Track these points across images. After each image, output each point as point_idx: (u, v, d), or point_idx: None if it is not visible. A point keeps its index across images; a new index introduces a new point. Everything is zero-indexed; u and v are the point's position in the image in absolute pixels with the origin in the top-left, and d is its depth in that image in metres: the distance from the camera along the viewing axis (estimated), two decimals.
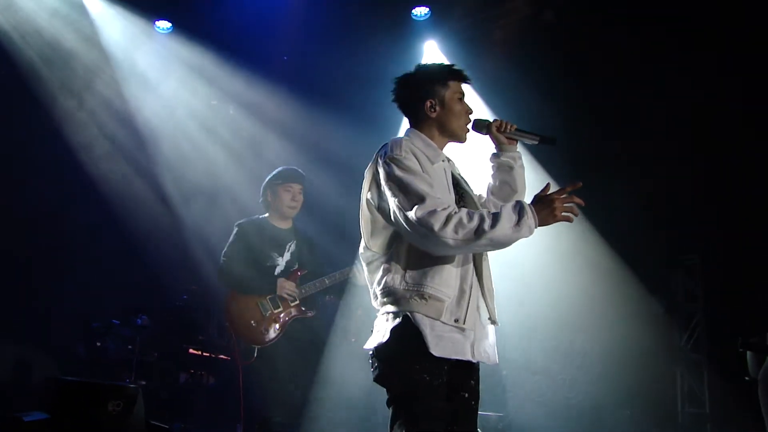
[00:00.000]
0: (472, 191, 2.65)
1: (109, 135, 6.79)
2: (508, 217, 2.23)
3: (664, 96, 5.74)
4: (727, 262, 5.87)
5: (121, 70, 6.71)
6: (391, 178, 2.38)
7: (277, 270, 4.43)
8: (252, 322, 4.27)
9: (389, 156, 2.42)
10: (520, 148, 2.78)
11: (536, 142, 2.68)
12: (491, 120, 2.72)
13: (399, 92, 2.69)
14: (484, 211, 2.28)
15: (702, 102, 5.52)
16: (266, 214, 4.57)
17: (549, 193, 2.32)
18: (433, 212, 2.22)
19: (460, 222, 2.21)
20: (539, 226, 2.29)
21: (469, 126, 2.67)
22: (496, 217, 2.22)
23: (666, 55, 5.53)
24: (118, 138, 6.84)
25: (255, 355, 4.24)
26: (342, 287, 4.59)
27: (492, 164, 2.75)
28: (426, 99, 2.59)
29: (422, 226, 2.23)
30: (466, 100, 2.67)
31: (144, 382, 5.56)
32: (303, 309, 4.40)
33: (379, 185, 2.43)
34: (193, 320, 6.03)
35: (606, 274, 5.89)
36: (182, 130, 6.85)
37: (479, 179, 2.80)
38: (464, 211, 2.26)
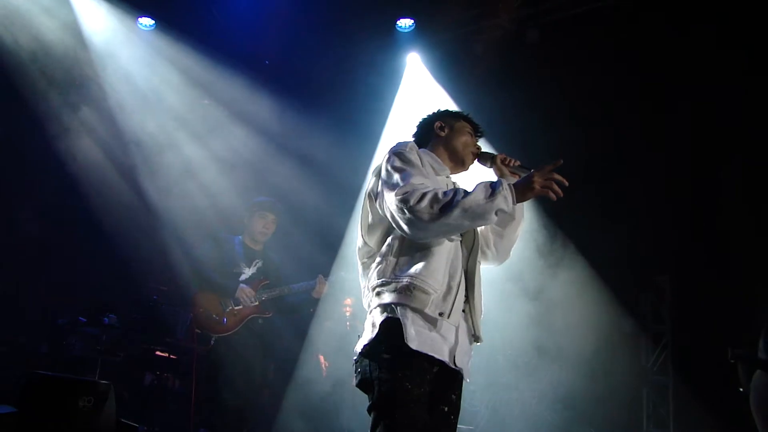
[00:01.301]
0: None
1: (89, 131, 6.72)
2: (481, 188, 2.32)
3: (641, 120, 5.82)
4: (697, 283, 5.92)
5: (103, 65, 6.66)
6: (389, 167, 2.48)
7: (242, 277, 4.91)
8: (213, 315, 4.77)
9: (394, 150, 2.54)
10: None
11: None
12: (496, 153, 2.84)
13: (419, 125, 2.92)
14: (460, 188, 2.35)
15: (675, 126, 5.60)
16: (240, 236, 5.08)
17: (532, 170, 2.42)
18: (412, 191, 2.32)
19: (435, 197, 2.29)
20: (519, 200, 2.36)
21: (475, 157, 2.81)
22: (470, 191, 2.31)
23: (646, 78, 5.61)
24: (97, 135, 6.76)
25: (212, 343, 4.72)
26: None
27: None
28: (437, 120, 2.84)
29: (400, 202, 2.31)
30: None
31: (107, 382, 5.46)
32: (262, 309, 4.88)
33: (379, 177, 2.51)
34: (162, 322, 5.95)
35: (575, 293, 5.92)
36: (162, 128, 6.79)
37: None
38: (441, 189, 2.33)
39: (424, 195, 2.29)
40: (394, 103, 6.57)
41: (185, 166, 6.83)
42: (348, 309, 6.12)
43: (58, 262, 6.39)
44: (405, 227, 2.34)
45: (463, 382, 2.56)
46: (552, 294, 5.97)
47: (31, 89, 6.39)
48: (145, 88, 6.71)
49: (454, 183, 2.73)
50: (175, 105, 6.80)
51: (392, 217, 2.38)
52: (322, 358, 5.99)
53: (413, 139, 2.88)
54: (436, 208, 2.27)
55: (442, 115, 2.86)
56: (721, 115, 5.37)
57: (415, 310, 2.33)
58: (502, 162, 2.78)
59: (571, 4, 5.83)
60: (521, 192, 2.36)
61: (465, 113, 2.90)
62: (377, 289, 2.44)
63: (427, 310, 2.33)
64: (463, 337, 2.46)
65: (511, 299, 5.76)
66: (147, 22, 6.56)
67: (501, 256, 2.76)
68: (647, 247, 6.09)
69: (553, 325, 6.00)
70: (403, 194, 2.32)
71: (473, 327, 2.51)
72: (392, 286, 2.39)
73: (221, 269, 4.87)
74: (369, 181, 2.60)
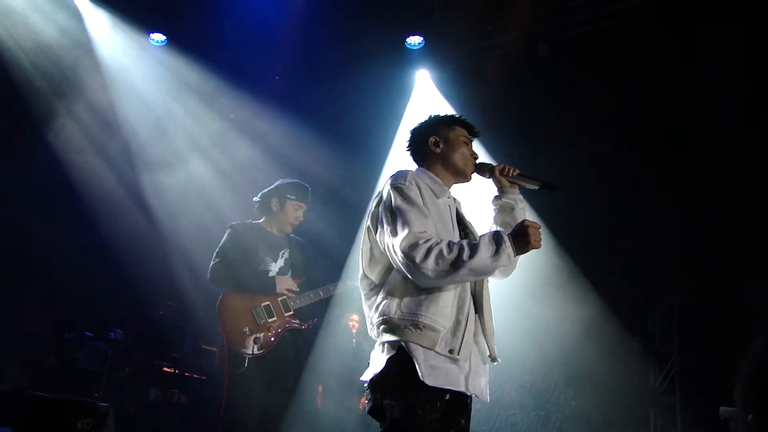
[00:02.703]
0: (476, 231, 2.70)
1: (97, 145, 6.76)
2: (486, 247, 2.30)
3: (651, 132, 5.81)
4: (705, 303, 5.89)
5: (113, 79, 6.71)
6: (389, 206, 2.44)
7: (270, 275, 4.21)
8: (245, 329, 4.03)
9: (393, 185, 2.49)
10: None
11: (537, 187, 2.74)
12: (495, 164, 2.78)
13: (409, 137, 2.82)
14: (464, 242, 2.32)
15: (684, 144, 5.59)
16: (261, 220, 4.38)
17: (524, 222, 2.40)
18: (415, 245, 2.29)
19: (440, 254, 2.27)
20: (517, 255, 2.37)
21: (474, 168, 2.74)
22: (474, 248, 2.29)
23: (657, 94, 5.61)
24: (104, 149, 6.81)
25: (246, 365, 3.97)
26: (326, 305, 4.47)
27: (494, 206, 2.80)
28: (430, 135, 2.72)
29: (405, 257, 2.29)
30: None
31: (111, 398, 5.45)
32: (296, 320, 4.19)
33: (379, 209, 2.49)
34: (168, 337, 5.96)
35: (583, 313, 5.89)
36: (169, 143, 6.82)
37: (483, 222, 2.84)
38: (445, 242, 2.30)
39: (429, 251, 2.27)
40: (404, 120, 6.57)
41: (193, 184, 6.85)
42: (354, 324, 6.06)
43: (66, 277, 6.40)
44: (410, 277, 2.34)
45: (472, 404, 2.54)
46: (558, 314, 5.94)
47: (39, 106, 6.45)
48: (156, 105, 6.76)
49: (454, 199, 2.70)
50: (185, 122, 6.84)
51: (395, 264, 2.37)
52: (320, 389, 5.68)
53: (409, 152, 2.81)
54: (443, 265, 2.26)
55: (435, 127, 2.75)
56: (734, 133, 5.36)
57: (424, 347, 2.30)
58: (501, 172, 2.74)
59: (581, 20, 5.85)
60: (520, 248, 2.37)
61: (457, 116, 2.81)
62: (383, 326, 2.40)
63: (437, 348, 2.30)
64: (476, 361, 2.44)
65: (517, 320, 5.73)
66: (159, 38, 6.62)
67: (506, 271, 2.70)
68: (655, 267, 6.06)
69: (560, 345, 5.97)
70: (407, 248, 2.29)
71: (488, 348, 2.49)
72: (399, 324, 2.34)
73: (245, 268, 4.15)
74: (370, 210, 2.56)
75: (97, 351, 5.75)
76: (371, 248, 2.52)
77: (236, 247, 4.20)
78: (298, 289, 4.19)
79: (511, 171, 2.73)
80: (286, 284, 4.15)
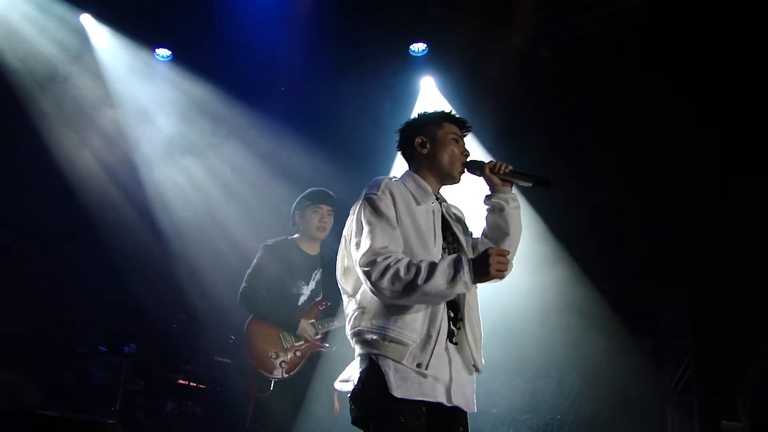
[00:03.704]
0: (464, 234, 2.61)
1: (104, 164, 6.80)
2: (443, 272, 2.21)
3: (656, 131, 5.80)
4: (718, 300, 5.85)
5: (118, 96, 6.76)
6: (359, 217, 2.39)
7: (301, 299, 4.22)
8: (272, 353, 4.05)
9: (365, 195, 2.43)
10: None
11: (531, 185, 2.61)
12: (486, 161, 2.66)
13: (398, 138, 2.72)
14: (424, 263, 2.23)
15: (694, 143, 5.59)
16: (295, 236, 4.35)
17: (489, 249, 2.27)
18: (373, 262, 2.25)
19: (395, 274, 2.21)
20: (475, 282, 2.27)
21: (464, 167, 2.63)
22: (431, 271, 2.20)
23: (663, 94, 5.61)
24: (112, 167, 6.85)
25: (271, 387, 4.00)
26: None
27: (486, 206, 2.68)
28: (416, 136, 2.61)
29: (363, 273, 2.27)
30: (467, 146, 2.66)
31: (126, 413, 5.47)
32: (323, 344, 4.18)
33: (352, 223, 2.44)
34: (182, 350, 5.97)
35: (595, 313, 5.87)
36: (176, 159, 6.86)
37: (477, 223, 2.77)
38: (404, 261, 2.24)
39: (386, 270, 2.22)
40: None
41: (200, 197, 6.88)
42: None
43: (78, 293, 6.42)
44: (370, 290, 2.30)
45: (479, 407, 2.47)
46: (569, 315, 5.93)
47: (42, 123, 6.49)
48: (161, 120, 6.79)
49: (441, 204, 2.58)
50: (190, 135, 6.88)
51: (360, 277, 2.34)
52: (336, 394, 5.69)
53: (399, 153, 2.71)
54: (398, 286, 2.21)
55: (421, 127, 2.63)
56: (742, 126, 5.36)
57: (394, 360, 2.25)
58: (491, 170, 2.60)
59: (584, 22, 5.86)
60: (479, 276, 2.25)
61: (446, 112, 2.69)
62: (355, 338, 2.37)
63: (405, 362, 2.24)
64: (458, 370, 2.35)
65: (527, 321, 5.74)
66: (164, 53, 6.66)
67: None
68: (666, 264, 6.05)
69: (573, 348, 5.95)
70: (365, 264, 2.26)
71: (472, 357, 2.40)
72: (368, 336, 2.30)
73: (277, 293, 4.15)
74: (347, 223, 2.49)
75: (112, 365, 5.76)
76: (344, 258, 2.48)
77: (267, 271, 4.19)
78: (316, 333, 4.15)
79: (503, 168, 2.60)
80: (309, 330, 4.11)
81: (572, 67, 6.01)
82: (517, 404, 6.02)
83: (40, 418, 3.82)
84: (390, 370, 2.24)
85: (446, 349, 2.33)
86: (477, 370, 2.43)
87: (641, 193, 5.98)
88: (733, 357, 5.45)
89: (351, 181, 6.45)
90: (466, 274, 2.21)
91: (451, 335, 2.38)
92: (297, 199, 4.39)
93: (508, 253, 2.32)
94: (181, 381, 5.85)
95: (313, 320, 4.17)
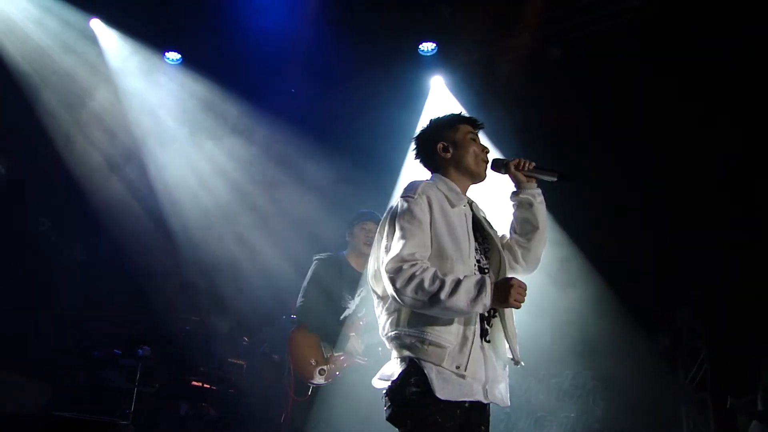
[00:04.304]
0: (495, 233, 2.65)
1: (115, 166, 6.84)
2: (466, 290, 2.25)
3: (668, 129, 5.77)
4: (733, 297, 5.82)
5: (128, 100, 6.78)
6: (393, 218, 2.42)
7: (346, 312, 4.39)
8: (312, 360, 4.25)
9: (402, 196, 2.46)
10: None
11: (555, 179, 2.68)
12: (510, 159, 2.72)
13: (416, 147, 2.77)
14: (449, 279, 2.26)
15: (707, 136, 5.55)
16: (346, 251, 4.59)
17: (512, 279, 2.32)
18: (399, 269, 2.27)
19: (420, 284, 2.24)
20: (491, 306, 2.30)
21: (488, 165, 2.68)
22: (455, 288, 2.24)
23: (673, 90, 5.58)
24: (122, 169, 6.88)
25: (309, 393, 4.20)
26: None
27: (512, 203, 2.75)
28: (437, 142, 2.66)
29: (389, 279, 2.28)
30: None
31: (141, 415, 5.50)
32: (363, 357, 4.31)
33: (386, 225, 2.46)
34: (195, 352, 6.00)
35: (609, 311, 5.85)
36: (188, 161, 6.88)
37: (502, 220, 2.81)
38: (429, 273, 2.26)
39: (410, 279, 2.25)
40: (419, 127, 6.54)
41: (212, 201, 6.90)
42: None
43: (93, 298, 6.46)
44: (391, 296, 2.32)
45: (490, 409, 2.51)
46: (583, 313, 5.91)
47: (57, 130, 6.53)
48: (172, 123, 6.81)
49: (471, 204, 2.63)
50: (201, 138, 6.90)
51: (383, 280, 2.36)
52: None
53: (418, 161, 2.76)
54: (421, 296, 2.23)
55: (439, 132, 2.69)
56: (760, 125, 5.32)
57: (434, 363, 2.29)
58: (516, 167, 2.69)
59: (594, 20, 5.83)
60: (497, 301, 2.28)
61: (456, 114, 2.76)
62: (394, 341, 2.40)
63: (444, 365, 2.29)
64: (493, 367, 2.41)
65: (542, 320, 5.71)
66: (173, 56, 6.69)
67: (531, 267, 2.70)
68: (680, 262, 6.01)
69: (586, 346, 5.93)
70: (392, 271, 2.28)
71: (510, 350, 2.45)
72: (407, 340, 2.34)
73: (327, 305, 4.36)
74: (384, 221, 2.50)
75: (127, 368, 5.80)
76: (375, 261, 2.49)
77: (320, 287, 4.40)
78: (361, 350, 4.29)
79: (527, 165, 2.68)
80: (358, 346, 4.27)
81: (583, 65, 5.98)
82: (531, 402, 6.00)
83: (55, 419, 3.87)
84: (432, 372, 2.28)
85: (482, 347, 2.39)
86: (516, 363, 2.47)
87: (655, 191, 5.94)
88: (748, 355, 5.41)
89: (361, 181, 6.47)
90: (487, 296, 2.25)
91: (484, 334, 2.43)
92: (349, 220, 4.66)
93: (526, 287, 2.34)
94: (194, 383, 5.88)
95: (353, 333, 4.32)
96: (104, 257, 6.58)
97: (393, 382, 2.37)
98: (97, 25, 6.53)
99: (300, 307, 4.37)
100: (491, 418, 2.54)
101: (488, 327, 2.45)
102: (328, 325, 4.30)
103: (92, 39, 6.57)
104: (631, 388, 5.80)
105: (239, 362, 6.02)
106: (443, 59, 6.39)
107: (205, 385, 5.92)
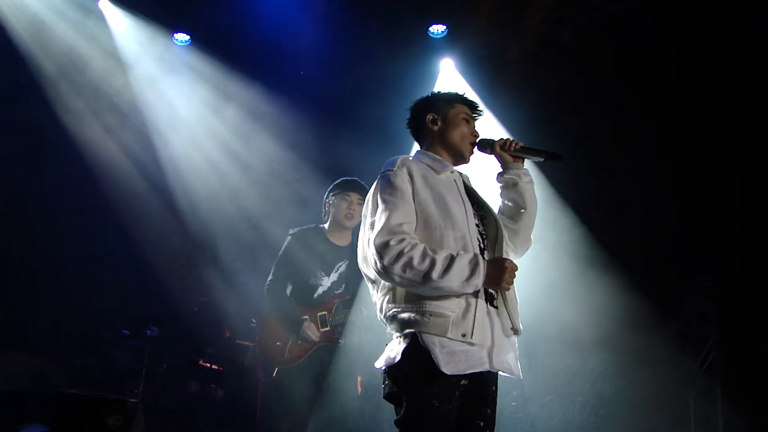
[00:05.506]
0: (489, 204, 2.59)
1: (126, 150, 6.85)
2: (459, 271, 2.20)
3: (678, 115, 5.72)
4: (742, 283, 5.78)
5: (137, 81, 6.78)
6: (375, 194, 2.39)
7: (319, 290, 4.18)
8: (278, 342, 4.16)
9: (383, 171, 2.43)
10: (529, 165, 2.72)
11: (542, 160, 2.63)
12: (495, 139, 2.67)
13: (409, 115, 2.72)
14: (439, 256, 2.20)
15: (717, 122, 5.50)
16: (325, 224, 4.33)
17: (505, 260, 2.30)
18: (386, 244, 2.22)
19: (409, 262, 2.19)
20: (483, 287, 2.27)
21: (474, 146, 2.64)
22: (449, 267, 2.19)
23: (685, 75, 5.52)
24: (131, 150, 6.89)
25: (274, 374, 4.12)
26: None
27: (499, 183, 2.70)
28: (428, 113, 2.62)
29: (376, 253, 2.24)
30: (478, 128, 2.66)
31: (150, 395, 5.55)
32: (333, 336, 4.12)
33: (368, 203, 2.44)
34: (204, 332, 6.03)
35: (618, 296, 5.82)
36: (196, 144, 6.88)
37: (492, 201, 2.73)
38: (418, 250, 2.21)
39: (399, 256, 2.19)
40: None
41: (220, 181, 6.90)
42: None
43: (100, 278, 6.50)
44: (377, 272, 2.28)
45: (503, 386, 2.47)
46: (593, 299, 5.89)
47: (65, 109, 6.53)
48: (182, 105, 6.80)
49: (459, 174, 2.59)
50: (210, 120, 6.89)
51: (370, 258, 2.32)
52: (360, 378, 5.69)
53: (409, 130, 2.71)
54: (410, 275, 2.18)
55: (433, 104, 2.64)
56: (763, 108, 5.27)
57: (437, 335, 2.22)
58: (502, 147, 2.62)
59: (604, 3, 5.77)
60: (489, 282, 2.26)
61: (460, 93, 2.69)
62: (392, 321, 2.34)
63: (450, 335, 2.21)
64: (499, 335, 2.33)
65: (550, 304, 5.70)
66: (182, 37, 6.67)
67: (520, 249, 2.63)
68: (691, 248, 5.97)
69: (594, 331, 5.92)
70: (379, 246, 2.23)
71: (510, 319, 2.37)
72: (406, 315, 2.27)
73: (293, 284, 4.23)
74: (368, 202, 2.46)
75: (135, 349, 5.84)
76: (364, 244, 2.44)
77: (288, 263, 4.22)
78: (318, 337, 4.09)
79: (514, 145, 2.62)
80: (310, 334, 4.06)
81: (593, 49, 5.92)
82: (538, 386, 6.00)
83: (66, 396, 3.92)
84: (435, 346, 2.21)
85: (488, 313, 2.33)
86: (516, 332, 2.40)
87: (666, 177, 5.90)
88: (757, 341, 5.39)
89: (369, 163, 6.43)
90: (480, 276, 2.22)
91: (491, 299, 2.37)
92: (329, 188, 4.37)
93: (517, 268, 2.31)
94: (202, 363, 5.91)
95: (325, 312, 4.13)
96: (113, 238, 6.60)
97: (392, 363, 2.30)
98: (105, 5, 6.50)
99: (266, 286, 4.21)
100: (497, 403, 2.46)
101: (493, 292, 2.38)
102: (288, 313, 4.12)
103: (102, 20, 6.55)
104: (640, 372, 5.78)
105: (246, 343, 6.04)
106: (453, 42, 6.33)
107: (212, 366, 5.95)
